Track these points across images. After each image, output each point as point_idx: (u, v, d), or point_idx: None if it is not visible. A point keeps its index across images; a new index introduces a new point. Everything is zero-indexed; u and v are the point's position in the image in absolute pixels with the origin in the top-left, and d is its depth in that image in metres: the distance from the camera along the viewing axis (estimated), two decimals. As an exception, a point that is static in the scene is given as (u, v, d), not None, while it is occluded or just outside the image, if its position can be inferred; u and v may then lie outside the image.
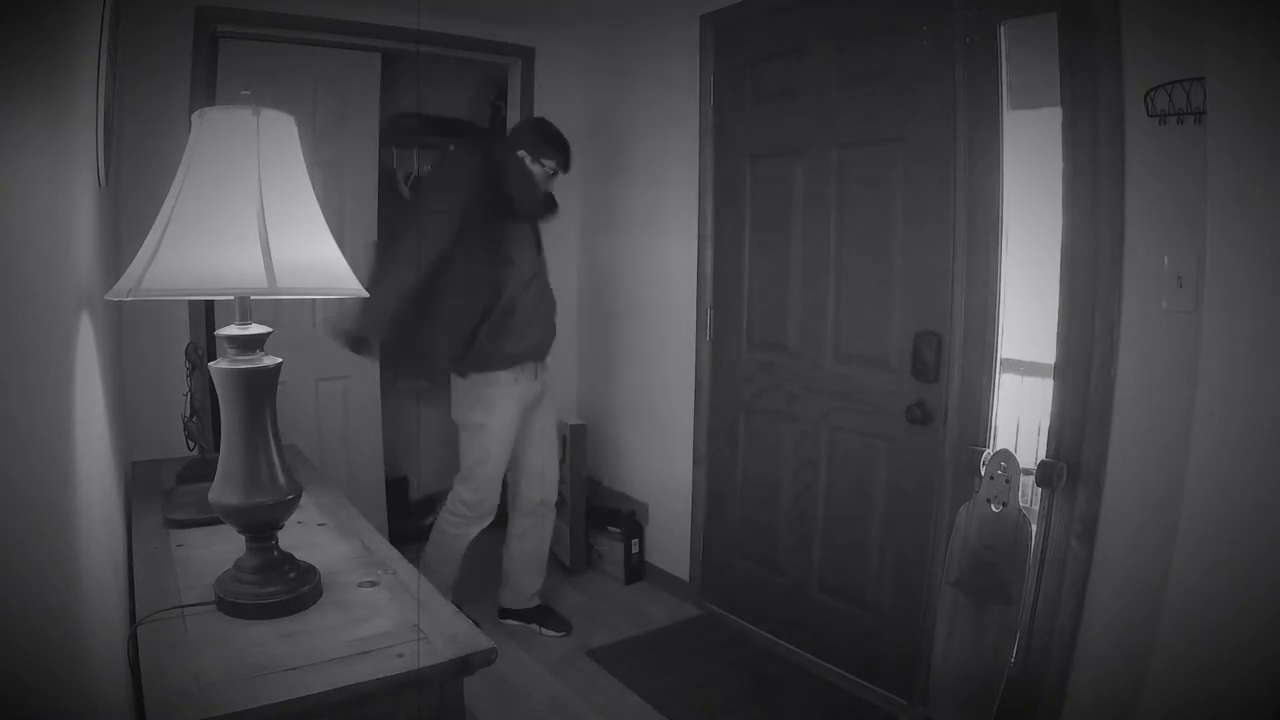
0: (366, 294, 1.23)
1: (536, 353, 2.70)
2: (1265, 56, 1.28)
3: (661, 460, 3.22)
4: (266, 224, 1.11)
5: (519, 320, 2.62)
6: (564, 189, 3.51)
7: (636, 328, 3.33)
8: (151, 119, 2.49)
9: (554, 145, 2.66)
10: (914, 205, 2.26)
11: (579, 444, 3.30)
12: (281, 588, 1.23)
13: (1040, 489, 2.02)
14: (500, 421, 2.63)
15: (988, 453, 2.04)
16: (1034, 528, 1.99)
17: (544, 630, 2.77)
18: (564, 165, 2.69)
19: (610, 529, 3.29)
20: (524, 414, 2.69)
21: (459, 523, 2.68)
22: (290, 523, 1.31)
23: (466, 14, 3.18)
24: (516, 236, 2.62)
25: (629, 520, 3.30)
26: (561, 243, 3.55)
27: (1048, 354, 2.03)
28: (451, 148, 3.63)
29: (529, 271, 2.64)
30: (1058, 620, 1.96)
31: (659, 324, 3.20)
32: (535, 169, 2.62)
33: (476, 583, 2.87)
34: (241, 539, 1.26)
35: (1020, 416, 2.46)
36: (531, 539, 2.79)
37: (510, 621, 2.84)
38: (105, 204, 1.67)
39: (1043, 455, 2.02)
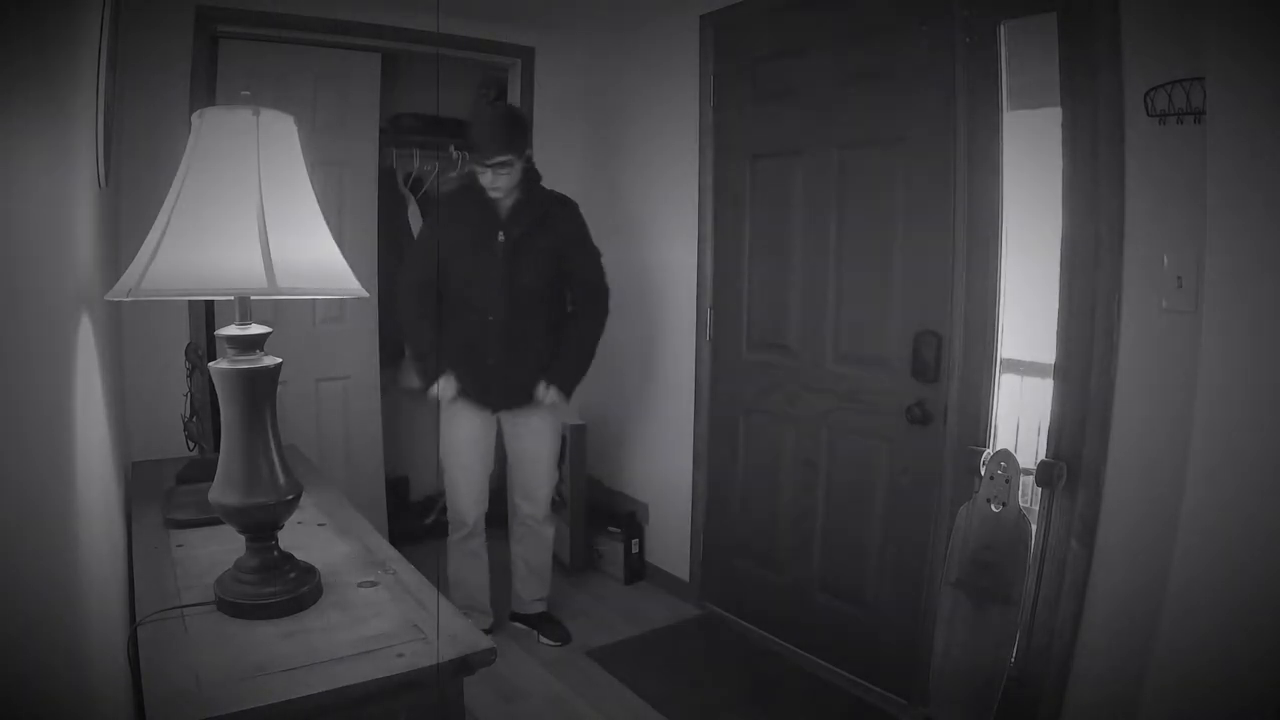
0: (366, 294, 1.23)
1: (476, 398, 2.55)
2: (1265, 56, 1.28)
3: (661, 460, 3.22)
4: (266, 224, 1.11)
5: (446, 356, 2.55)
6: (563, 188, 3.53)
7: (637, 328, 3.32)
8: (151, 119, 2.49)
9: (473, 132, 2.41)
10: (914, 205, 2.26)
11: (579, 444, 3.29)
12: (281, 588, 1.23)
13: (1040, 489, 2.02)
14: (449, 433, 2.62)
15: (988, 453, 2.04)
16: (1034, 528, 1.99)
17: (542, 638, 2.76)
18: (480, 151, 2.36)
19: (610, 529, 3.29)
20: (484, 432, 2.62)
21: (450, 527, 2.71)
22: (290, 523, 1.31)
23: (466, 14, 3.18)
24: (465, 264, 2.46)
25: (629, 520, 3.30)
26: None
27: (1048, 354, 2.02)
28: (452, 149, 3.62)
29: (471, 307, 2.47)
30: (1058, 620, 1.96)
31: (659, 324, 3.20)
32: (482, 176, 2.41)
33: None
34: (241, 539, 1.26)
35: (1020, 416, 2.47)
36: (528, 548, 2.78)
37: (517, 624, 2.84)
38: (105, 204, 1.68)
39: (1043, 455, 2.02)
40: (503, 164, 2.39)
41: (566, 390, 2.59)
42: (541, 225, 2.51)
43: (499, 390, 2.57)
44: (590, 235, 2.67)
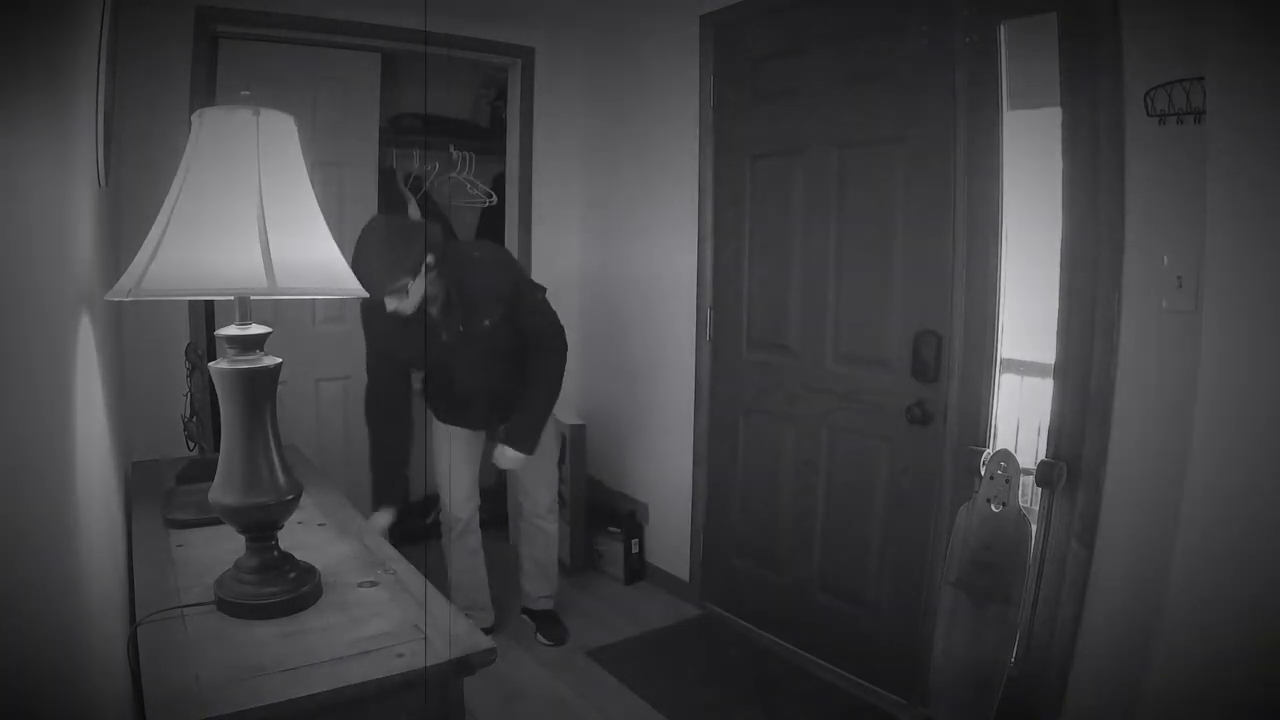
0: (366, 294, 1.23)
1: (458, 421, 2.58)
2: (1265, 56, 1.28)
3: (661, 460, 3.22)
4: (266, 224, 1.11)
5: (436, 380, 2.54)
6: (564, 188, 3.54)
7: (636, 327, 3.33)
8: (151, 119, 2.49)
9: (355, 269, 2.15)
10: (914, 205, 2.26)
11: (579, 444, 3.30)
12: (281, 588, 1.23)
13: (1040, 489, 2.02)
14: (435, 434, 2.63)
15: (988, 453, 2.04)
16: (1034, 528, 1.99)
17: (540, 636, 2.76)
18: (373, 288, 2.00)
19: (610, 529, 3.29)
20: (470, 434, 2.65)
21: (442, 527, 2.71)
22: (290, 523, 1.31)
23: (466, 14, 3.18)
24: (412, 338, 2.36)
25: (629, 520, 3.30)
26: (562, 242, 3.56)
27: (1048, 354, 2.03)
28: (452, 149, 3.62)
29: (431, 357, 2.42)
30: (1058, 620, 1.96)
31: (659, 324, 3.20)
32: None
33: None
34: (241, 539, 1.26)
35: (1020, 416, 2.47)
36: (534, 547, 2.79)
37: (524, 617, 2.85)
38: (105, 204, 1.68)
39: (1043, 455, 2.02)
40: (398, 290, 2.17)
41: (527, 450, 2.50)
42: (470, 279, 2.35)
43: (478, 417, 2.61)
44: (525, 275, 2.56)
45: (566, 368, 2.57)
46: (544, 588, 2.82)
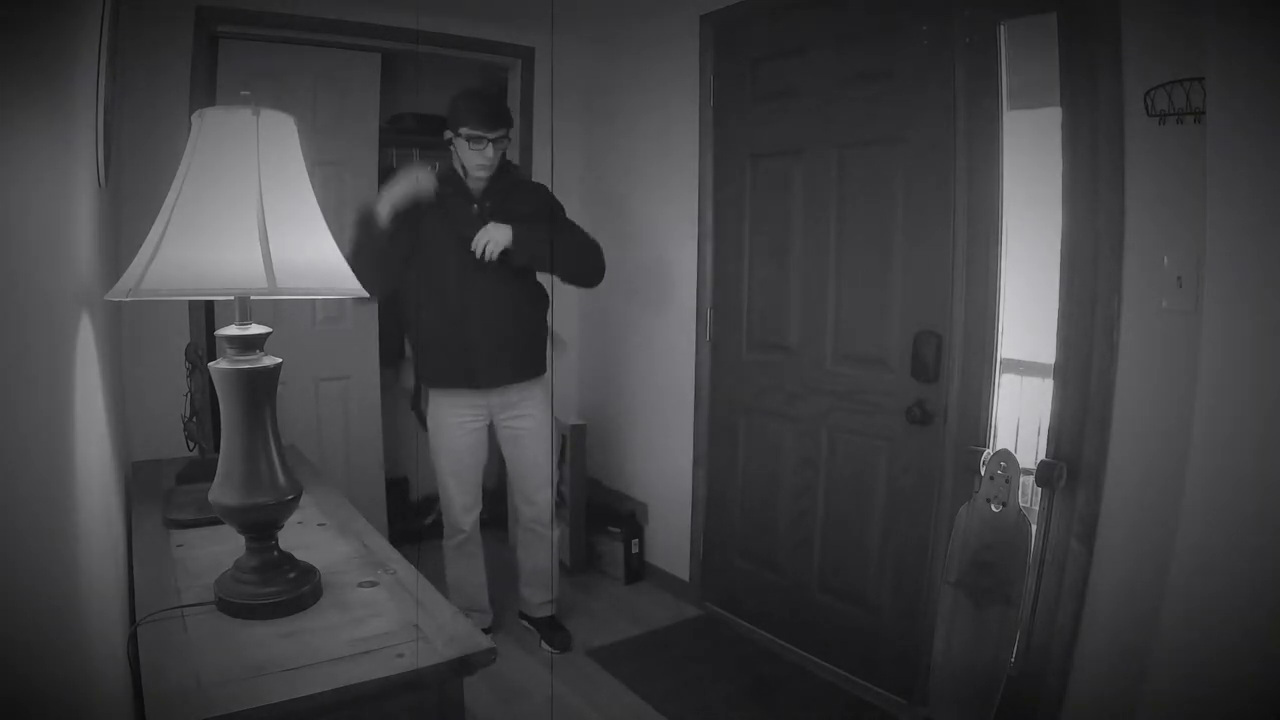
0: (366, 294, 1.23)
1: (462, 379, 2.49)
2: (1265, 56, 1.28)
3: (661, 460, 3.22)
4: (266, 224, 1.11)
5: (425, 337, 2.54)
6: (564, 189, 3.53)
7: (636, 328, 3.33)
8: (151, 119, 2.49)
9: (466, 105, 2.37)
10: (914, 205, 2.26)
11: (579, 444, 3.29)
12: (281, 588, 1.23)
13: (1040, 489, 2.02)
14: (438, 435, 2.59)
15: (988, 453, 2.04)
16: (1034, 528, 1.99)
17: (544, 644, 2.75)
18: (482, 123, 2.34)
19: (610, 529, 3.29)
20: (476, 431, 2.58)
21: (445, 532, 2.69)
22: (290, 523, 1.31)
23: (466, 14, 3.18)
24: (438, 240, 2.42)
25: (629, 520, 3.30)
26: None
27: (1048, 354, 2.02)
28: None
29: (447, 282, 2.43)
30: (1058, 620, 1.96)
31: (659, 324, 3.20)
32: (460, 146, 2.39)
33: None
34: (241, 539, 1.26)
35: (1020, 416, 2.47)
36: (532, 554, 2.76)
37: (524, 623, 2.83)
38: (105, 204, 1.67)
39: (1043, 455, 2.02)
40: (502, 138, 2.41)
41: (520, 241, 2.36)
42: (516, 194, 2.53)
43: (486, 368, 2.49)
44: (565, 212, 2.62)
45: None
46: (544, 594, 2.81)
